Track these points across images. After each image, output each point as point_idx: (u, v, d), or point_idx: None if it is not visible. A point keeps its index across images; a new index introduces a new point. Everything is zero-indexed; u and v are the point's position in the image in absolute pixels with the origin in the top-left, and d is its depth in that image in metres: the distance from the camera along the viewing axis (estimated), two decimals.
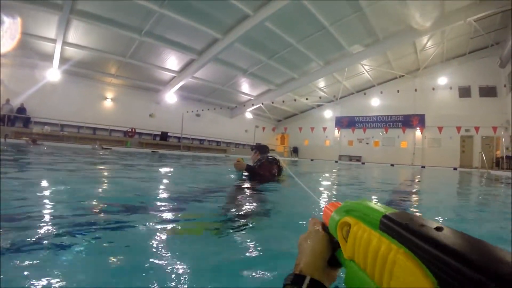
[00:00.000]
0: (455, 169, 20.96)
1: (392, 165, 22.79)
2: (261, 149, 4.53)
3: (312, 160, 27.30)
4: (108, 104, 20.71)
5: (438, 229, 0.35)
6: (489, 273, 0.26)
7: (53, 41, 14.91)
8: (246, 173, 4.24)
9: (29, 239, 1.36)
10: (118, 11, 13.67)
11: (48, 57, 16.18)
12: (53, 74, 17.21)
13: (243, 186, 3.80)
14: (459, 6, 15.60)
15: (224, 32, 16.04)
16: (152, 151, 17.62)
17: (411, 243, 0.36)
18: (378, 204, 0.49)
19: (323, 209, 0.63)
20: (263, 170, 4.20)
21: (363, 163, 24.89)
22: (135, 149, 17.75)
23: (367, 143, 28.94)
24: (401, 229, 0.38)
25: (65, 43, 15.21)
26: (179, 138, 23.59)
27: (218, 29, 15.78)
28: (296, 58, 19.99)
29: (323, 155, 30.17)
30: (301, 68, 21.94)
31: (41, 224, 1.61)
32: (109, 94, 20.64)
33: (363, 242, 0.44)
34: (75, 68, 17.74)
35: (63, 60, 16.64)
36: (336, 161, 26.96)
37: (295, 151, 33.26)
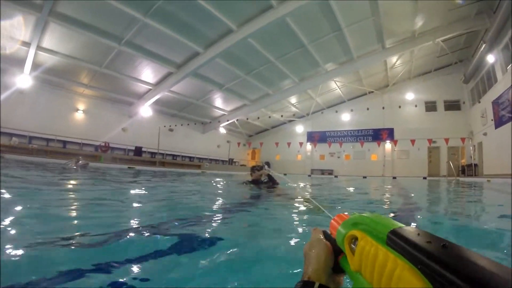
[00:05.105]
0: (424, 178, 22.26)
1: (365, 177, 23.59)
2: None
3: (285, 174, 27.41)
4: (79, 116, 19.26)
5: (444, 246, 0.36)
6: None
7: (27, 44, 13.59)
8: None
9: None
10: (101, 17, 12.97)
11: (20, 62, 14.63)
12: (24, 80, 15.59)
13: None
14: (429, 28, 17.04)
15: (206, 46, 15.93)
16: (128, 167, 16.78)
17: (416, 260, 0.36)
18: (386, 218, 0.51)
19: (330, 221, 0.65)
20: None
21: (335, 176, 25.53)
22: (110, 165, 16.75)
23: (338, 157, 29.86)
24: (407, 245, 0.39)
25: (39, 47, 13.95)
26: (152, 153, 22.74)
27: (200, 42, 15.63)
28: (273, 74, 20.36)
29: (295, 170, 30.46)
30: (277, 84, 22.41)
31: None
32: (81, 106, 19.24)
33: (370, 256, 0.44)
34: (47, 76, 16.33)
35: (35, 66, 15.18)
36: (309, 175, 27.35)
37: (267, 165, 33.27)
